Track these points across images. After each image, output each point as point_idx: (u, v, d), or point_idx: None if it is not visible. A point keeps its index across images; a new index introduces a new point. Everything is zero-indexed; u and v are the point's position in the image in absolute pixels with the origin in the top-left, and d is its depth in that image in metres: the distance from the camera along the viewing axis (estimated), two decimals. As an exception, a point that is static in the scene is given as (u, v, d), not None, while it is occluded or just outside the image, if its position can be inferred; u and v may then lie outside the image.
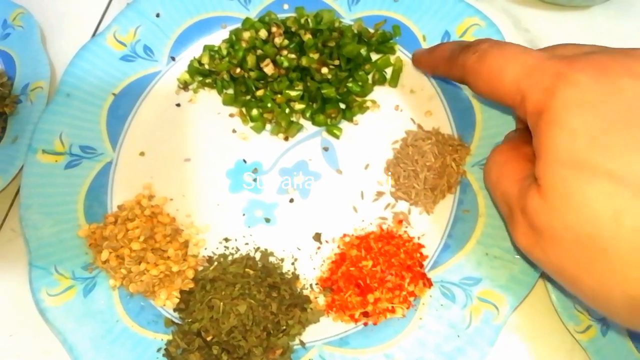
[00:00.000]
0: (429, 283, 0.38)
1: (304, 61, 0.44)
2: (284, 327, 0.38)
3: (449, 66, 0.35)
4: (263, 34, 0.46)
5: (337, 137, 0.44)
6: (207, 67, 0.46)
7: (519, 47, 0.31)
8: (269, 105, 0.45)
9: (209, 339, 0.37)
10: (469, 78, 0.33)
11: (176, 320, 0.39)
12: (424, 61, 0.41)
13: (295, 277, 0.40)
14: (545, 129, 0.27)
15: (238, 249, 0.42)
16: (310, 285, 0.40)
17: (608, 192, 0.24)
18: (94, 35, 0.51)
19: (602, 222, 0.25)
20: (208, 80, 0.47)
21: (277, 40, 0.45)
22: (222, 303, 0.37)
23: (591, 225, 0.25)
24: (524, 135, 0.33)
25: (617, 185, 0.24)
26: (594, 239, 0.25)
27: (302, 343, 0.38)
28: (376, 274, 0.38)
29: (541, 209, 0.27)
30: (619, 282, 0.25)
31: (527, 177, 0.30)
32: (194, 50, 0.48)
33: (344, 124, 0.45)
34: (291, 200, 0.43)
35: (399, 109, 0.45)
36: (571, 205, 0.26)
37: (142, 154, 0.45)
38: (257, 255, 0.41)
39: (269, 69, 0.44)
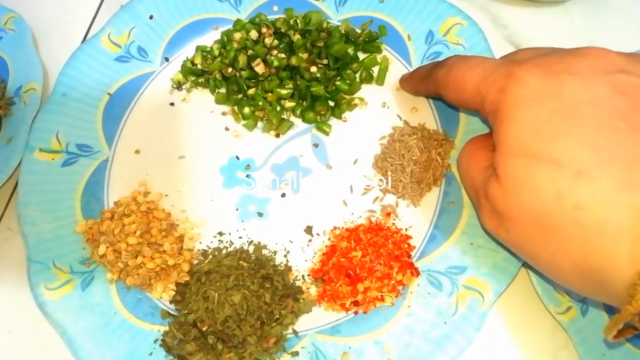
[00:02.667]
0: (416, 272, 0.39)
1: (293, 60, 0.46)
2: (277, 317, 0.39)
3: (425, 83, 0.40)
4: (254, 34, 0.47)
5: (326, 133, 0.46)
6: (199, 67, 0.48)
7: (480, 57, 0.35)
8: (260, 103, 0.46)
9: (204, 329, 0.38)
10: (440, 90, 0.37)
11: (172, 312, 0.40)
12: (407, 84, 0.45)
13: (288, 269, 0.41)
14: (499, 124, 0.31)
15: (232, 243, 0.43)
16: (303, 276, 0.41)
17: (551, 176, 0.28)
18: (85, 38, 0.52)
19: (548, 202, 0.28)
20: (201, 80, 0.48)
21: (268, 41, 0.46)
22: (216, 294, 0.38)
23: (539, 205, 0.28)
24: (488, 137, 0.37)
25: (558, 169, 0.27)
26: (543, 217, 0.28)
27: (295, 332, 0.39)
28: (365, 264, 0.39)
29: (499, 194, 0.30)
30: (567, 254, 0.28)
31: (489, 166, 0.33)
32: (187, 51, 0.49)
33: (333, 121, 0.46)
34: (283, 195, 0.44)
35: (385, 106, 0.46)
36: (522, 189, 0.29)
37: (137, 151, 0.46)
38: (251, 248, 0.42)
39: (259, 68, 0.46)
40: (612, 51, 0.31)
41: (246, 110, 0.46)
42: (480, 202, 0.33)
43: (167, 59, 0.49)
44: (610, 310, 0.37)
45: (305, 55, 0.46)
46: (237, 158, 0.46)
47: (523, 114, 0.30)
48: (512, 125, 0.30)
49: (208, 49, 0.48)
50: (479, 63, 0.34)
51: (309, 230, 0.43)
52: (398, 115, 0.46)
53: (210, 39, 0.49)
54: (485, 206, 0.32)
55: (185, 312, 0.39)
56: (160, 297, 0.41)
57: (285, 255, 0.42)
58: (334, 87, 0.46)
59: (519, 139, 0.29)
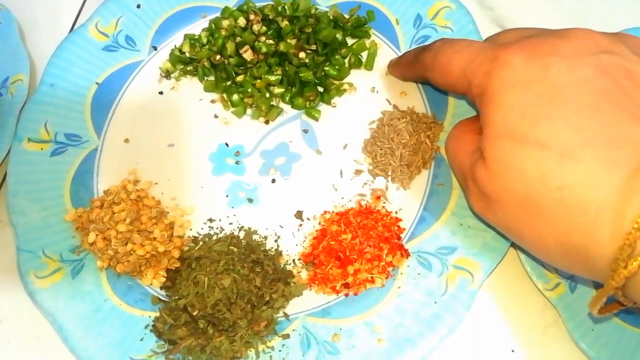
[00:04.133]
0: (406, 254, 0.39)
1: (281, 46, 0.46)
2: (268, 300, 0.39)
3: (412, 68, 0.40)
4: (242, 21, 0.47)
5: (316, 119, 0.46)
6: (188, 55, 0.48)
7: (466, 40, 0.35)
8: (249, 90, 0.46)
9: (194, 313, 0.38)
10: (427, 74, 0.37)
11: (163, 298, 0.40)
12: (395, 69, 0.45)
13: (279, 254, 0.41)
14: (485, 108, 0.31)
15: (222, 229, 0.43)
16: (293, 260, 0.41)
17: (536, 158, 0.28)
18: (72, 29, 0.52)
19: (533, 183, 0.28)
20: (189, 68, 0.48)
21: (256, 27, 0.46)
22: (206, 278, 0.38)
23: (525, 187, 0.28)
24: (475, 120, 0.36)
25: (543, 151, 0.28)
26: (528, 198, 0.28)
27: (285, 315, 0.39)
28: (355, 246, 0.39)
29: (486, 177, 0.31)
30: (552, 234, 0.28)
31: (477, 149, 0.33)
32: (175, 40, 0.49)
33: (323, 107, 0.46)
34: (273, 181, 0.44)
35: (374, 91, 0.46)
36: (508, 172, 0.29)
37: (126, 140, 0.46)
38: (241, 234, 0.42)
39: (248, 54, 0.46)
40: (596, 32, 0.31)
41: (235, 97, 0.46)
42: (468, 185, 0.33)
43: (155, 48, 0.49)
44: (598, 286, 0.37)
45: (293, 41, 0.46)
46: (227, 145, 0.46)
47: (508, 97, 0.30)
48: (498, 108, 0.30)
49: (196, 37, 0.48)
50: (464, 46, 0.34)
51: (299, 215, 0.43)
52: (387, 99, 0.46)
53: (198, 27, 0.49)
54: (473, 189, 0.33)
55: (176, 297, 0.39)
56: (151, 284, 0.41)
57: (275, 240, 0.42)
58: (322, 73, 0.46)
59: (505, 121, 0.30)
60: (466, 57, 0.33)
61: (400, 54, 0.45)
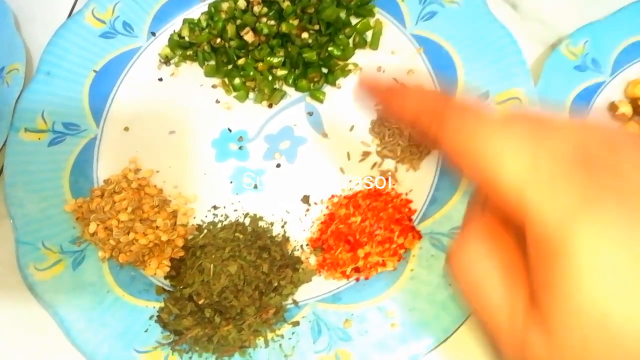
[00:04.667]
0: (418, 235, 0.38)
1: (283, 27, 0.44)
2: (276, 287, 0.37)
3: (416, 126, 0.24)
4: (242, 3, 0.46)
5: (321, 101, 0.44)
6: (187, 39, 0.46)
7: (525, 122, 0.22)
8: (251, 73, 0.45)
9: (200, 302, 0.36)
10: (447, 155, 0.23)
11: (167, 288, 0.39)
12: (376, 96, 0.28)
13: (286, 240, 0.40)
14: (560, 267, 0.22)
15: (227, 216, 0.41)
16: (301, 246, 0.40)
17: (631, 352, 0.21)
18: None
19: None
20: (189, 53, 0.46)
21: (256, 9, 0.45)
22: (212, 265, 0.37)
23: None
24: (499, 220, 0.24)
25: None
26: None
27: (295, 302, 0.38)
28: (365, 229, 0.38)
29: (546, 353, 0.22)
30: None
31: (518, 296, 0.24)
32: (174, 25, 0.48)
33: (327, 88, 0.45)
34: (278, 166, 0.43)
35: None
36: (586, 358, 0.22)
37: (126, 129, 0.45)
38: (247, 221, 0.41)
39: (249, 36, 0.44)
40: None
41: (237, 81, 0.45)
42: (502, 343, 0.24)
43: (153, 34, 0.48)
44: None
45: (295, 22, 0.44)
46: (229, 130, 0.44)
47: (600, 270, 0.21)
48: (584, 276, 0.21)
49: (195, 21, 0.47)
50: (525, 138, 0.22)
51: (306, 199, 0.41)
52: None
53: (197, 11, 0.48)
54: (510, 350, 0.24)
55: (181, 286, 0.38)
56: (155, 274, 0.39)
57: (282, 226, 0.41)
58: (326, 53, 0.45)
59: (593, 299, 0.21)
60: (527, 165, 0.21)
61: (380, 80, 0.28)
